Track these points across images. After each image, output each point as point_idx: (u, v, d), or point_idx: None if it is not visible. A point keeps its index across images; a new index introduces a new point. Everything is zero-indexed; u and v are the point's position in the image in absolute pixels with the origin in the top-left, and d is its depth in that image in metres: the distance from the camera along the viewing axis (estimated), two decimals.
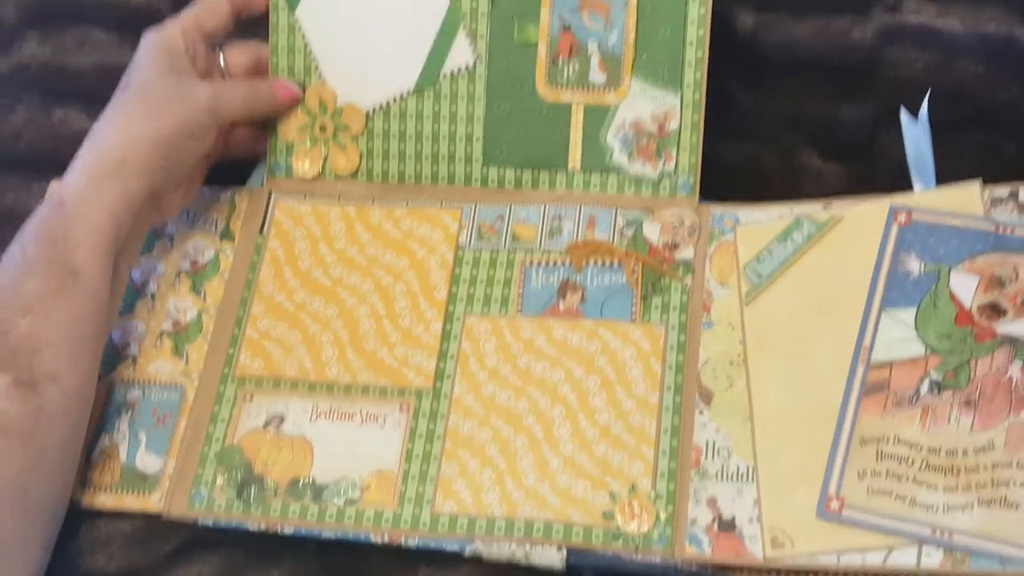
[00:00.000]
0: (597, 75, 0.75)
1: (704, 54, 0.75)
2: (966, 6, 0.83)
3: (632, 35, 0.75)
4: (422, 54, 0.77)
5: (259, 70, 0.79)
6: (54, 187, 0.78)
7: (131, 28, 0.80)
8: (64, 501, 0.68)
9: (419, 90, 0.77)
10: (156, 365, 0.74)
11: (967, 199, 0.70)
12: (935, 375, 0.65)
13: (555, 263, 0.75)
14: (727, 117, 0.81)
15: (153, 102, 0.71)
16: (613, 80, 0.75)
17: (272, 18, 0.78)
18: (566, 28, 0.75)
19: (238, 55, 0.79)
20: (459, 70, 0.77)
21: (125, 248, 0.71)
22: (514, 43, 0.76)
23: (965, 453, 0.63)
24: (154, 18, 0.79)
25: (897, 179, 0.76)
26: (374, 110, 0.78)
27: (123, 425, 0.72)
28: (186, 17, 0.76)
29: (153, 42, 0.74)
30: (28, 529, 0.64)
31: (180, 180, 0.74)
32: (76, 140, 0.72)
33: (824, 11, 0.83)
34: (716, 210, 0.75)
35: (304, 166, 0.79)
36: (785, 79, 0.83)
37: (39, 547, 0.66)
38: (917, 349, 0.66)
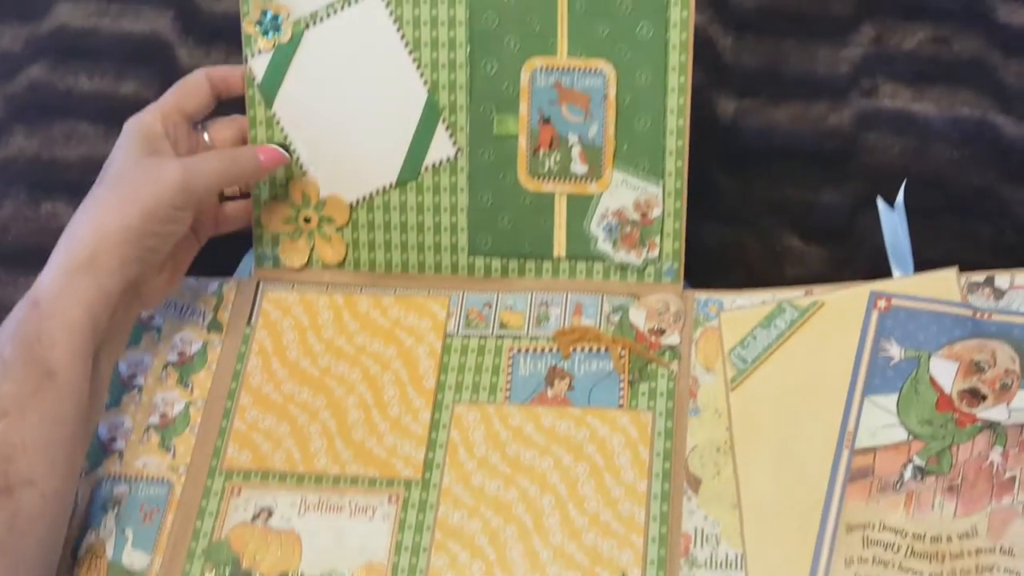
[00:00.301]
0: (578, 166, 0.76)
1: (685, 143, 0.76)
2: (941, 90, 0.84)
3: (612, 127, 0.76)
4: (403, 147, 0.78)
5: (246, 144, 0.79)
6: None
7: (118, 120, 0.80)
8: None
9: (402, 183, 0.78)
10: (143, 460, 0.74)
11: (944, 285, 0.71)
12: (918, 460, 0.66)
13: (543, 350, 0.75)
14: (709, 202, 0.82)
15: (124, 190, 0.70)
16: (594, 171, 0.76)
17: (249, 112, 0.79)
18: (546, 121, 0.76)
19: (223, 130, 0.79)
20: (440, 162, 0.78)
21: (106, 343, 0.70)
22: (494, 136, 0.77)
23: (949, 539, 0.63)
24: (142, 109, 0.80)
25: (877, 261, 0.77)
26: (357, 202, 0.79)
27: (109, 521, 0.71)
28: (166, 100, 0.75)
29: (132, 129, 0.73)
30: None
31: (160, 267, 0.73)
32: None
33: (802, 96, 0.85)
34: (701, 296, 0.75)
35: (291, 257, 0.80)
36: (766, 164, 0.84)
37: None
38: (900, 435, 0.66)
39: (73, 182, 0.87)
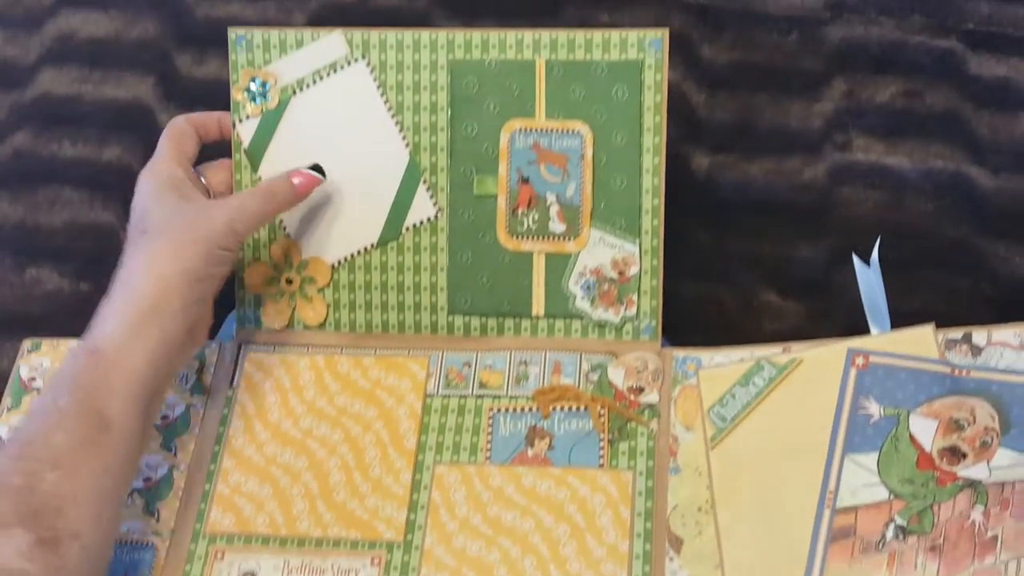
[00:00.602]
0: (557, 225, 0.77)
1: (660, 202, 0.76)
2: (913, 143, 0.85)
3: (589, 186, 0.77)
4: (385, 208, 0.79)
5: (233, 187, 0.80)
6: (74, 345, 0.73)
7: (102, 186, 0.81)
8: None
9: (383, 243, 0.79)
10: (127, 524, 0.74)
11: (922, 342, 0.71)
12: (900, 520, 0.66)
13: (522, 409, 0.76)
14: (686, 257, 0.83)
15: (177, 236, 0.71)
16: (572, 229, 0.77)
17: (236, 175, 0.80)
18: (524, 180, 0.77)
19: (216, 174, 0.80)
20: (421, 222, 0.79)
21: (157, 392, 0.70)
22: (474, 196, 0.78)
23: None
24: (126, 174, 0.81)
25: (854, 315, 0.78)
26: (339, 263, 0.80)
27: None
28: (168, 149, 0.76)
29: (157, 180, 0.74)
30: None
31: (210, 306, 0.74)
32: (48, 299, 0.72)
33: (776, 151, 0.86)
34: (679, 353, 0.76)
35: (272, 318, 0.80)
36: (741, 219, 0.85)
37: None
38: (881, 494, 0.67)
39: (58, 247, 0.87)
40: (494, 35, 0.77)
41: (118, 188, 0.87)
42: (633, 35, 0.75)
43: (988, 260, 0.81)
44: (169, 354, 0.70)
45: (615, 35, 0.75)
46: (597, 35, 0.75)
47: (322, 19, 0.91)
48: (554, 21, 0.91)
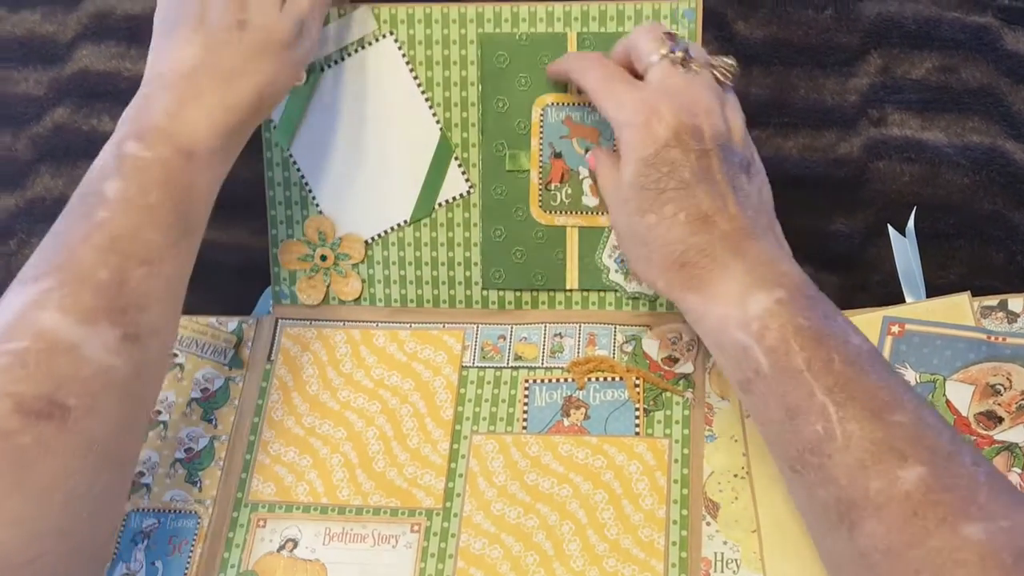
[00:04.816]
0: (590, 199, 0.78)
1: None
2: (950, 118, 0.85)
3: None
4: (417, 185, 0.79)
5: None
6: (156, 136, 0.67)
7: None
8: (138, 455, 0.67)
9: (416, 220, 0.79)
10: (171, 493, 0.75)
11: (958, 309, 0.71)
12: None
13: (558, 380, 0.76)
14: None
15: (281, 53, 0.70)
16: (605, 203, 0.77)
17: (266, 154, 0.80)
18: (557, 155, 0.77)
19: None
20: (454, 199, 0.79)
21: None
22: (506, 171, 0.78)
23: None
24: None
25: (890, 288, 0.78)
26: (373, 239, 0.80)
27: (139, 554, 0.73)
28: None
29: None
30: (119, 482, 0.64)
31: None
32: None
33: (811, 126, 0.86)
34: None
35: (308, 294, 0.81)
36: (776, 193, 0.84)
37: (125, 500, 0.66)
38: None
39: None
40: (524, 8, 0.76)
41: None
42: (665, 6, 0.75)
43: (1023, 232, 0.81)
44: (241, 148, 0.71)
45: (647, 6, 0.75)
46: (628, 6, 0.75)
47: None
48: None
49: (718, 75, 0.67)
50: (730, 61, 0.68)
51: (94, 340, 0.61)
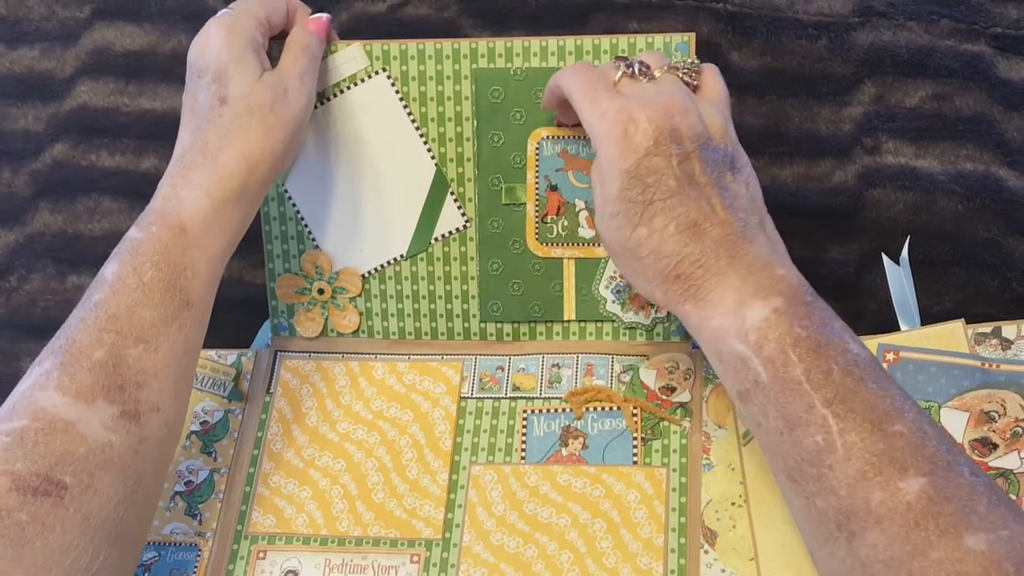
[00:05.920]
0: (586, 231, 0.78)
1: None
2: (944, 146, 0.86)
3: None
4: (413, 220, 0.79)
5: None
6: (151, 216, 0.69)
7: (140, 195, 0.82)
8: (148, 531, 0.67)
9: (412, 255, 0.80)
10: (171, 526, 0.75)
11: (952, 337, 0.72)
12: None
13: (556, 410, 0.76)
14: None
15: (266, 118, 0.70)
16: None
17: None
18: (553, 188, 0.78)
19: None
20: (450, 233, 0.79)
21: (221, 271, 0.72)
22: (502, 205, 0.78)
23: None
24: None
25: (885, 316, 0.78)
26: (370, 273, 0.81)
27: None
28: (256, 9, 0.73)
29: (239, 40, 0.71)
30: (122, 559, 0.64)
31: None
32: None
33: (806, 155, 0.86)
34: None
35: (306, 327, 0.81)
36: (772, 222, 0.85)
37: (129, 574, 0.66)
38: None
39: (98, 256, 0.87)
40: (518, 43, 0.76)
41: None
42: (659, 39, 0.75)
43: (1017, 260, 0.81)
44: (240, 235, 0.71)
45: (641, 40, 0.75)
46: (623, 40, 0.75)
47: (353, 30, 0.92)
48: (583, 30, 0.92)
49: (682, 76, 0.68)
50: (690, 60, 0.69)
51: (91, 418, 0.62)
